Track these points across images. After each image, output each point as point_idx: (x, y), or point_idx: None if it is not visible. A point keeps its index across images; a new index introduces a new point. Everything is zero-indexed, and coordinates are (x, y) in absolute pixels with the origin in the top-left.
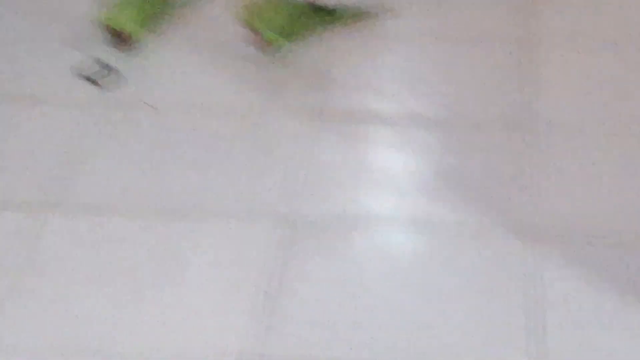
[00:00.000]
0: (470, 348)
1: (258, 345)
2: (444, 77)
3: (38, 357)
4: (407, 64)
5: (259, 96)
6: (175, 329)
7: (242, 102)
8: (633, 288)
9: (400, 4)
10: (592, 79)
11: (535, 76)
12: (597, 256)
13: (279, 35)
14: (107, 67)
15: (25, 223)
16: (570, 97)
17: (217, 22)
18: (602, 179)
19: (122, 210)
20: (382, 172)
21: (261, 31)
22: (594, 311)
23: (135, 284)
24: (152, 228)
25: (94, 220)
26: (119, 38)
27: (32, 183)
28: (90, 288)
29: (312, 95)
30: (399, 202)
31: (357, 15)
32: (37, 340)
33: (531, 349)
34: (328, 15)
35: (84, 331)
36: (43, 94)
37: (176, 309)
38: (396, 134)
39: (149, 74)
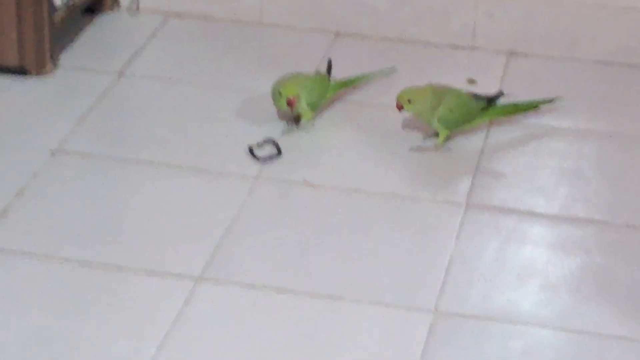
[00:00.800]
0: None
1: None
2: (604, 176)
3: None
4: (567, 161)
5: (418, 184)
6: None
7: (399, 189)
8: None
9: (565, 100)
10: None
11: None
12: None
13: (445, 126)
14: (274, 144)
15: (175, 289)
16: None
17: (385, 108)
18: None
19: (274, 286)
20: (532, 268)
21: (428, 122)
22: None
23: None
24: (303, 307)
25: (245, 292)
26: (291, 110)
27: (187, 250)
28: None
29: (471, 186)
30: (546, 300)
31: (520, 109)
32: None
33: None
34: (490, 107)
35: None
36: (209, 166)
37: None
38: (548, 231)
39: (311, 152)
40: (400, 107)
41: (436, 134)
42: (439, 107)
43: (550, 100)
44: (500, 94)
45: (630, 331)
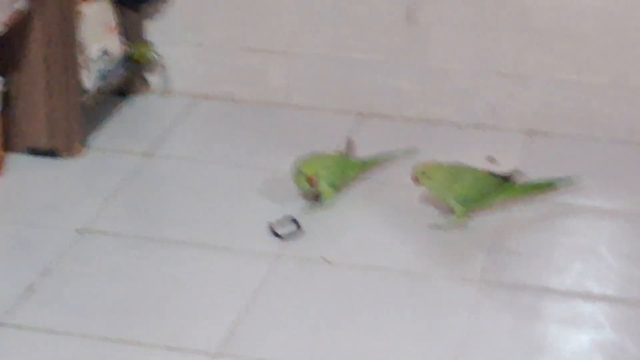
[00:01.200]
0: None
1: None
2: (619, 253)
3: None
4: (582, 238)
5: (434, 261)
6: None
7: (416, 266)
8: None
9: (582, 179)
10: None
11: None
12: None
13: (461, 205)
14: (294, 221)
15: None
16: None
17: (406, 187)
18: None
19: None
20: (548, 346)
21: (445, 199)
22: None
23: None
24: None
25: None
26: (312, 188)
27: (206, 326)
28: None
29: (486, 263)
30: None
31: (537, 188)
32: None
33: None
34: (507, 186)
35: None
36: (231, 243)
37: None
38: (565, 309)
39: (331, 230)
40: (415, 180)
41: (453, 212)
42: (455, 184)
43: (568, 181)
44: (516, 172)
45: None
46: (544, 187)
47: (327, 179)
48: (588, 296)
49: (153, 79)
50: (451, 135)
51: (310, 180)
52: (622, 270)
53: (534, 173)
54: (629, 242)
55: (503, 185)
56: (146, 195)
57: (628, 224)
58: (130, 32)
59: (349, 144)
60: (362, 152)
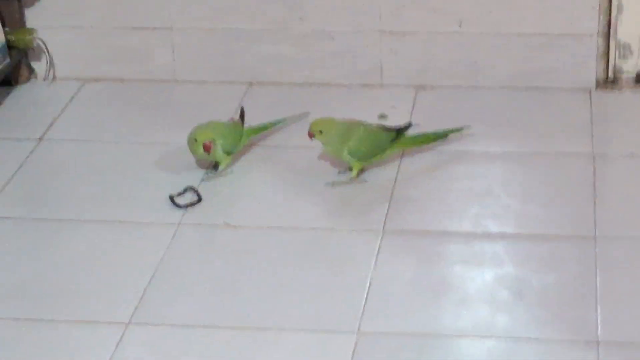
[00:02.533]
0: None
1: None
2: (515, 193)
3: None
4: (478, 182)
5: (335, 216)
6: None
7: (317, 223)
8: None
9: (471, 127)
10: None
11: (604, 191)
12: None
13: (357, 159)
14: (194, 191)
15: (106, 335)
16: (635, 211)
17: (299, 149)
18: None
19: (203, 324)
20: (452, 285)
21: (340, 155)
22: None
23: None
24: (231, 340)
25: (175, 332)
26: (208, 155)
27: (115, 297)
28: None
29: (384, 213)
30: (464, 312)
31: (429, 138)
32: None
33: None
34: (400, 138)
35: None
36: (131, 217)
37: None
38: (466, 249)
39: (230, 196)
40: (311, 136)
41: (350, 168)
42: (349, 140)
43: (458, 129)
44: (408, 125)
45: (542, 333)
46: (436, 137)
47: (222, 145)
48: (487, 235)
49: (38, 65)
50: (340, 97)
51: (206, 147)
52: (516, 208)
53: (425, 125)
54: (520, 181)
55: (396, 137)
56: (43, 178)
57: (518, 165)
58: (10, 20)
59: (242, 112)
60: (254, 120)
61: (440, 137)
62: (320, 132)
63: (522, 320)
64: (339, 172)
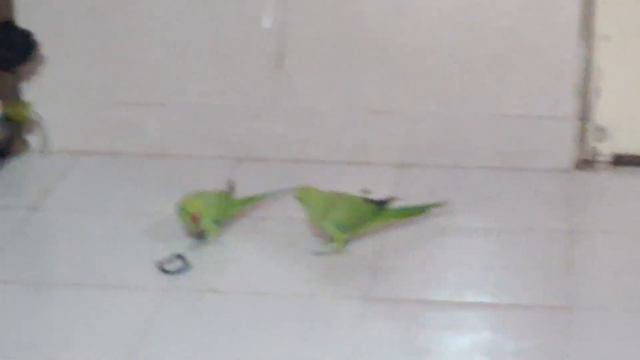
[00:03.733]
0: None
1: None
2: (492, 266)
3: None
4: (458, 254)
5: (318, 283)
6: None
7: (300, 289)
8: None
9: (453, 203)
10: (633, 266)
11: (579, 265)
12: None
13: (338, 229)
14: (181, 258)
15: None
16: (611, 283)
17: (285, 221)
18: None
19: None
20: (431, 350)
21: (321, 225)
22: None
23: None
24: None
25: None
26: (195, 226)
27: (105, 358)
28: None
29: (368, 281)
30: None
31: (410, 212)
32: None
33: None
34: (382, 211)
35: None
36: (120, 283)
37: None
38: (445, 316)
39: (216, 263)
40: (297, 198)
41: (332, 238)
42: (332, 211)
43: (439, 204)
44: (390, 199)
45: None
46: (416, 211)
47: (210, 215)
48: (465, 304)
49: (32, 138)
50: (325, 173)
51: (193, 218)
52: (494, 279)
53: (407, 201)
54: (497, 254)
55: (378, 210)
56: (34, 245)
57: (497, 240)
58: (6, 93)
59: (230, 184)
60: (242, 193)
61: (421, 211)
62: (302, 199)
63: None
64: (322, 243)
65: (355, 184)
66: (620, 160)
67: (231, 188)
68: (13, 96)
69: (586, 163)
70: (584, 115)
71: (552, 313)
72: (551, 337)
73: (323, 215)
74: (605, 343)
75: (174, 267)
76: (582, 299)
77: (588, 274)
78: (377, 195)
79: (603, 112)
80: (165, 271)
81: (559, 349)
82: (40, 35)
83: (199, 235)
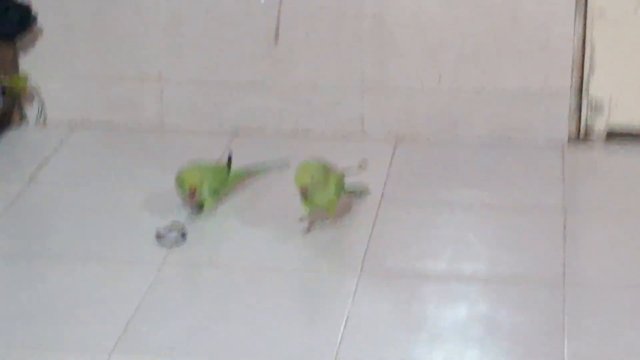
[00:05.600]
0: None
1: None
2: (488, 240)
3: None
4: (454, 230)
5: (314, 257)
6: None
7: (297, 263)
8: None
9: (450, 179)
10: (625, 241)
11: (573, 240)
12: None
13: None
14: (179, 230)
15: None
16: (604, 258)
17: (280, 195)
18: (632, 331)
19: (183, 354)
20: (426, 322)
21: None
22: None
23: None
24: None
25: None
26: (193, 199)
27: (100, 328)
28: None
29: (362, 254)
30: (441, 349)
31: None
32: None
33: None
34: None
35: None
36: (118, 254)
37: None
38: (441, 289)
39: (213, 236)
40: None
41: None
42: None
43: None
44: (229, 157)
45: None
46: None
47: (208, 188)
48: (461, 277)
49: (30, 110)
50: (321, 147)
51: (191, 189)
52: (489, 254)
53: (405, 176)
54: (493, 230)
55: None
56: (32, 217)
57: (492, 214)
58: (4, 65)
59: (229, 158)
60: (238, 167)
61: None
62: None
63: (493, 356)
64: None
65: (351, 158)
66: (615, 136)
67: (229, 161)
68: (11, 68)
69: (581, 138)
70: (579, 90)
71: (546, 287)
72: (545, 310)
73: (312, 195)
74: (598, 316)
75: (171, 239)
76: (575, 273)
77: (582, 248)
78: (373, 170)
79: (598, 88)
80: (162, 243)
81: (553, 322)
82: (39, 8)
83: (197, 208)
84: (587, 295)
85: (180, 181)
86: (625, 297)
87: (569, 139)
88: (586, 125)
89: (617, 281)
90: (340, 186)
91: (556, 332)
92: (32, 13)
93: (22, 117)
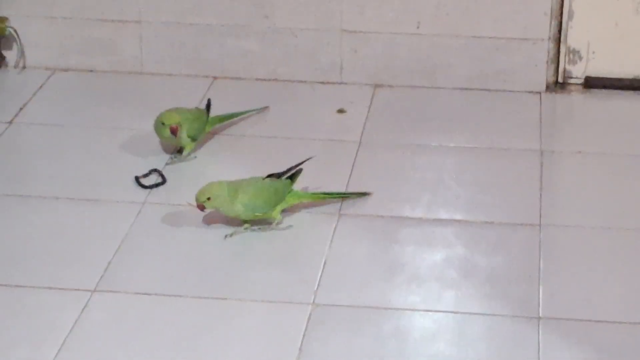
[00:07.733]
0: None
1: None
2: (465, 183)
3: None
4: (432, 173)
5: None
6: None
7: None
8: None
9: (432, 123)
10: (601, 185)
11: (550, 183)
12: (599, 339)
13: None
14: (158, 173)
15: (72, 300)
16: (580, 201)
17: (259, 139)
18: (607, 272)
19: (164, 293)
20: (404, 264)
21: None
22: None
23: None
24: (191, 309)
25: (137, 299)
26: (174, 138)
27: (82, 267)
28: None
29: (344, 200)
30: (415, 287)
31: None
32: None
33: None
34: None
35: None
36: (98, 196)
37: None
38: (418, 232)
39: (192, 178)
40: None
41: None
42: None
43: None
44: (208, 103)
45: (488, 308)
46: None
47: (187, 130)
48: (438, 221)
49: (9, 53)
50: (301, 92)
51: (173, 130)
52: (466, 196)
53: (385, 120)
54: (471, 172)
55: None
56: (12, 159)
57: (470, 159)
58: None
59: (208, 103)
60: (218, 111)
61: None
62: (209, 199)
63: (469, 297)
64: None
65: (330, 103)
66: (592, 83)
67: (208, 107)
68: None
69: (558, 85)
70: (557, 37)
71: (523, 230)
72: (522, 253)
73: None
74: (575, 259)
75: (151, 181)
76: (552, 217)
77: (559, 192)
78: (352, 115)
79: (576, 35)
80: (142, 185)
81: (530, 264)
82: None
83: (176, 151)
84: (563, 238)
85: (159, 124)
86: (601, 240)
87: (547, 86)
88: (564, 72)
89: (593, 223)
90: (281, 194)
91: (532, 274)
92: None
93: (1, 60)
